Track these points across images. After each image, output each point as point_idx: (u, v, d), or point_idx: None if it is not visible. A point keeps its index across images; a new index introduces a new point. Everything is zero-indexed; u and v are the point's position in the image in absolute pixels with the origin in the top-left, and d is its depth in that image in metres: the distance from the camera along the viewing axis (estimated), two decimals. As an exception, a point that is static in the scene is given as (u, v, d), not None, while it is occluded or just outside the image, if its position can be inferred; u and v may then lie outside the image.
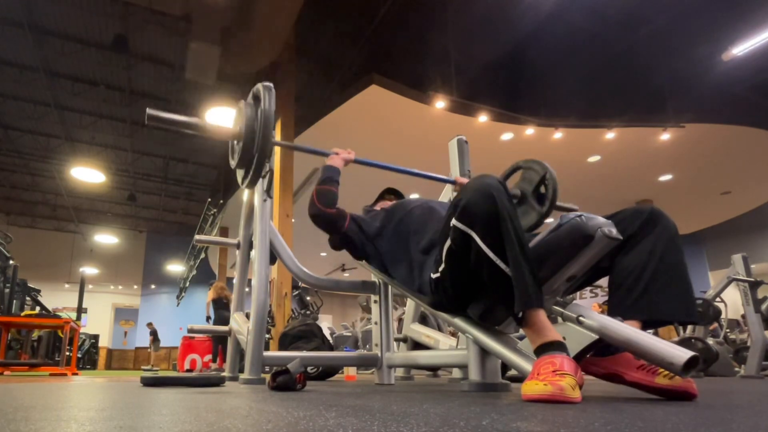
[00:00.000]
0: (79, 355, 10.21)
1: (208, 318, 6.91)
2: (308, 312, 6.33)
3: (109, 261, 15.21)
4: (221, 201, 10.13)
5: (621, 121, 7.24)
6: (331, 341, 4.55)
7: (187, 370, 6.95)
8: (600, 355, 1.16)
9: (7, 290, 5.48)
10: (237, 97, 7.29)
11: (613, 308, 1.21)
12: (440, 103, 6.58)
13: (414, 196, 2.35)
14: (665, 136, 7.37)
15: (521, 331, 1.75)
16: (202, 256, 12.57)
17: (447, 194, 2.38)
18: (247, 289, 2.53)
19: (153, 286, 15.90)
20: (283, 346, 3.21)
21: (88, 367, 11.00)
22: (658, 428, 0.55)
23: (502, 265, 1.06)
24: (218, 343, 6.52)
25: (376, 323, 2.19)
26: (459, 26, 6.53)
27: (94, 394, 1.35)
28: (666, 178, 9.03)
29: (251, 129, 1.70)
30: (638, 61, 6.86)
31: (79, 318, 6.95)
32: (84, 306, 8.11)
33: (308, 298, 6.64)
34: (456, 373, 2.61)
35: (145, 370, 9.13)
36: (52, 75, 7.87)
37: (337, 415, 0.70)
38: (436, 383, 2.32)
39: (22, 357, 6.10)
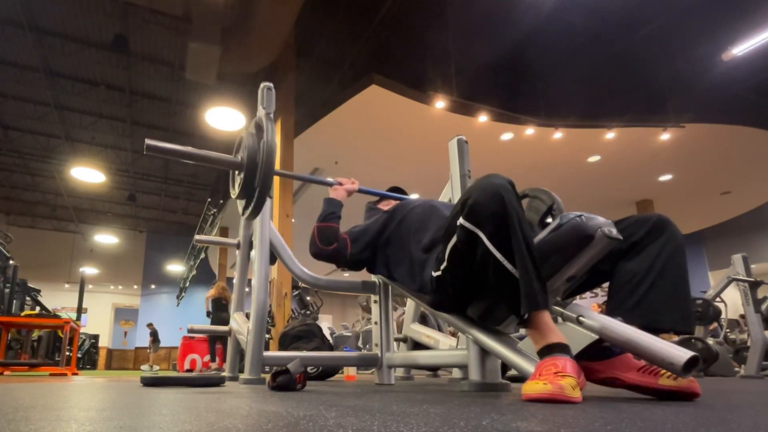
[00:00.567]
0: (79, 355, 10.22)
1: (208, 313, 6.90)
2: (308, 312, 6.33)
3: (109, 261, 15.21)
4: (221, 201, 10.13)
5: (621, 121, 7.25)
6: (331, 341, 4.55)
7: (187, 370, 6.95)
8: (596, 359, 1.15)
9: (7, 290, 5.48)
10: (237, 97, 7.29)
11: (610, 310, 1.21)
12: (440, 103, 6.58)
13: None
14: (665, 136, 7.37)
15: (521, 331, 1.75)
16: (202, 256, 12.58)
17: (447, 194, 2.38)
18: (247, 289, 2.53)
19: (153, 286, 15.90)
20: (283, 346, 3.21)
21: (88, 367, 11.00)
22: (658, 428, 0.55)
23: (509, 266, 1.06)
24: (213, 342, 6.52)
25: (376, 323, 2.19)
26: (459, 26, 6.53)
27: (94, 394, 1.35)
28: (666, 178, 9.03)
29: (253, 161, 1.65)
30: (638, 61, 6.86)
31: (79, 318, 6.94)
32: (84, 306, 8.11)
33: (308, 298, 6.64)
34: (456, 373, 2.61)
35: (144, 369, 9.14)
36: (52, 75, 7.87)
37: (337, 415, 0.70)
38: (436, 383, 2.32)
39: (22, 357, 6.10)
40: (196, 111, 8.38)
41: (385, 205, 2.07)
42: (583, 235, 1.16)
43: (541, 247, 1.19)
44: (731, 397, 1.15)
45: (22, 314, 5.57)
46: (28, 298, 6.54)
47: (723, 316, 5.30)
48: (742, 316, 5.41)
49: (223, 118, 6.87)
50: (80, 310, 7.80)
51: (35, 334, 6.55)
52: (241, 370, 2.02)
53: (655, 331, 1.21)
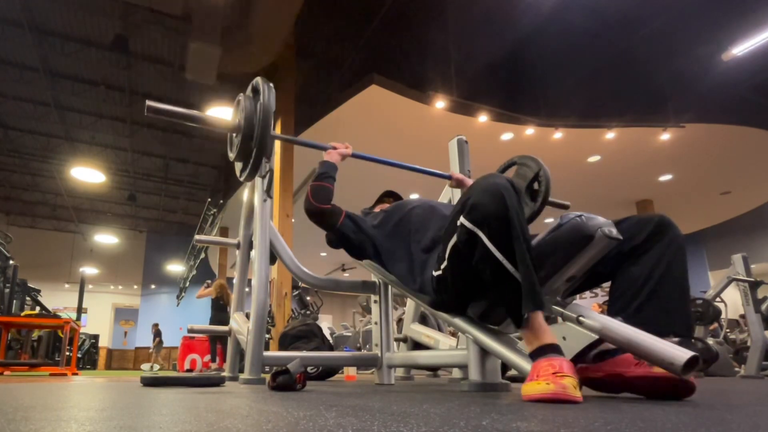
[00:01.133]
0: (79, 355, 10.21)
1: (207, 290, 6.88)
2: (308, 312, 6.33)
3: (109, 261, 15.21)
4: (221, 201, 10.13)
5: (621, 121, 7.24)
6: (331, 341, 4.55)
7: (187, 370, 6.95)
8: (594, 361, 1.15)
9: (7, 290, 5.48)
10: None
11: (612, 314, 1.21)
12: (440, 103, 6.58)
13: (414, 196, 2.35)
14: (665, 136, 7.37)
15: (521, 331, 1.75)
16: (202, 256, 12.58)
17: (447, 195, 2.38)
18: (247, 289, 2.53)
19: (153, 286, 15.90)
20: (283, 346, 3.21)
21: (88, 367, 10.99)
22: (658, 428, 0.55)
23: (509, 266, 1.06)
24: (215, 342, 6.52)
25: (376, 323, 2.19)
26: (459, 26, 6.53)
27: (94, 394, 1.35)
28: (666, 178, 9.03)
29: (250, 122, 1.70)
30: (638, 61, 6.86)
31: (79, 318, 6.94)
32: (84, 306, 8.11)
33: (308, 298, 6.64)
34: (456, 373, 2.61)
35: (144, 369, 9.13)
36: (52, 75, 7.87)
37: (337, 415, 0.70)
38: (436, 383, 2.32)
39: (22, 357, 6.10)
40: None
41: (380, 209, 2.07)
42: (583, 235, 1.16)
43: (541, 247, 1.19)
44: (731, 397, 1.15)
45: (22, 314, 5.57)
46: (28, 298, 6.54)
47: (723, 316, 5.31)
48: (742, 316, 5.41)
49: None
50: (80, 310, 7.79)
51: (35, 334, 6.55)
52: (241, 370, 2.01)
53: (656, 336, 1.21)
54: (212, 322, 6.65)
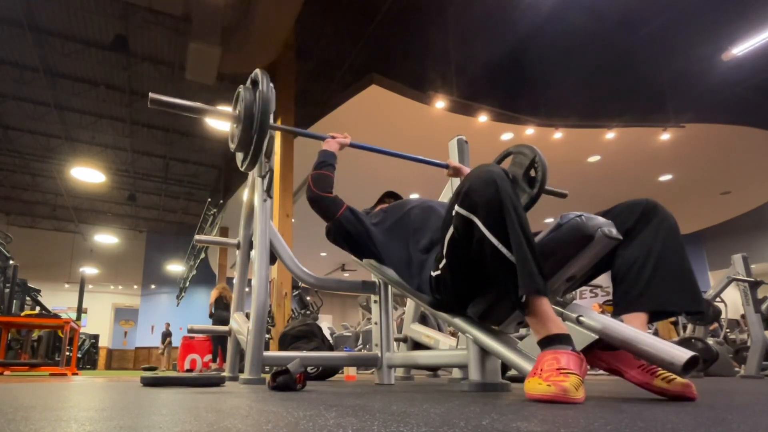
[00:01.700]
0: (79, 355, 10.21)
1: (211, 314, 6.93)
2: (308, 312, 6.33)
3: (109, 261, 15.21)
4: (221, 201, 10.13)
5: (621, 121, 7.24)
6: (331, 341, 4.55)
7: (187, 370, 6.95)
8: (604, 349, 1.15)
9: (7, 290, 5.48)
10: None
11: (617, 301, 1.20)
12: (440, 103, 6.58)
13: (414, 196, 2.35)
14: (665, 136, 7.37)
15: (521, 331, 1.75)
16: (202, 256, 12.58)
17: (447, 194, 2.38)
18: (247, 289, 2.53)
19: (153, 286, 15.90)
20: (283, 346, 3.21)
21: (88, 367, 10.99)
22: (658, 428, 0.55)
23: (504, 251, 1.05)
24: (218, 343, 6.51)
25: (376, 323, 2.18)
26: (459, 26, 6.53)
27: (94, 394, 1.35)
28: (666, 178, 9.04)
29: (250, 111, 1.76)
30: (638, 61, 6.86)
31: (79, 318, 6.94)
32: (84, 306, 8.11)
33: (308, 298, 6.64)
34: (456, 373, 2.61)
35: (144, 369, 9.11)
36: (52, 75, 7.88)
37: (337, 415, 0.70)
38: (436, 383, 2.32)
39: (22, 357, 6.10)
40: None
41: (380, 209, 2.08)
42: (583, 235, 1.16)
43: (541, 247, 1.18)
44: (731, 397, 1.15)
45: (22, 314, 5.57)
46: (28, 298, 6.54)
47: (723, 316, 5.31)
48: (742, 316, 5.41)
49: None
50: (80, 310, 7.80)
51: (35, 334, 6.55)
52: (241, 370, 2.01)
53: (667, 315, 1.20)
54: (214, 320, 6.68)
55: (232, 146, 1.93)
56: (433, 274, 1.38)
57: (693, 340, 4.48)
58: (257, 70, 1.83)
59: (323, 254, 13.47)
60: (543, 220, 8.09)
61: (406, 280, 1.64)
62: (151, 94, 1.70)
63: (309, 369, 2.83)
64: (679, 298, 1.13)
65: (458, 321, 1.46)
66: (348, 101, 6.50)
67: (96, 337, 11.74)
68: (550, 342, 1.01)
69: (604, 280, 1.33)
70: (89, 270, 13.65)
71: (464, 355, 1.50)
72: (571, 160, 8.11)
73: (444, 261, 1.30)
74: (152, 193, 12.64)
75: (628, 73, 7.09)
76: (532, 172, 1.88)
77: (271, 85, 1.82)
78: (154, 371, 8.27)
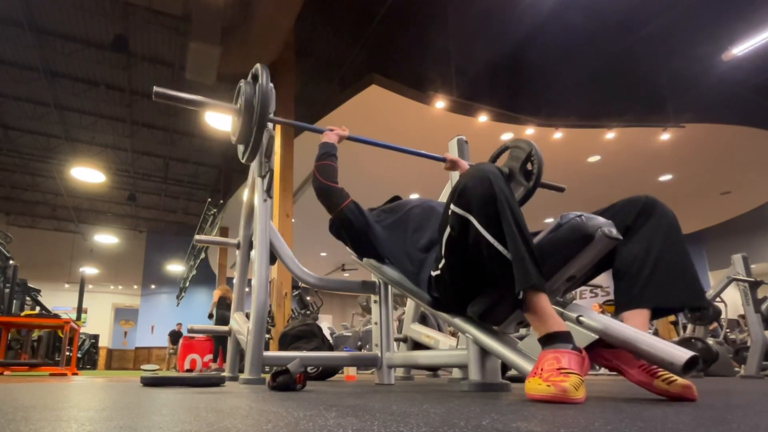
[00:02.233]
0: (79, 355, 10.21)
1: (210, 315, 6.95)
2: (308, 312, 6.33)
3: (109, 261, 15.21)
4: (221, 201, 10.13)
5: (621, 121, 7.24)
6: (331, 341, 4.55)
7: (187, 370, 6.94)
8: (606, 347, 1.15)
9: (7, 290, 5.48)
10: (237, 97, 7.28)
11: (619, 299, 1.20)
12: (440, 103, 6.57)
13: (414, 196, 2.35)
14: (665, 136, 7.37)
15: (521, 331, 1.75)
16: (202, 256, 12.58)
17: (447, 194, 2.38)
18: (247, 289, 2.53)
19: (153, 286, 15.90)
20: (283, 346, 3.21)
21: (88, 367, 10.99)
22: (658, 428, 0.55)
23: (500, 247, 1.05)
24: (219, 343, 6.52)
25: (376, 323, 2.18)
26: (459, 26, 6.52)
27: (94, 394, 1.35)
28: (666, 178, 9.04)
29: (250, 104, 1.82)
30: (638, 60, 6.86)
31: (79, 318, 6.94)
32: (84, 306, 8.10)
33: (308, 298, 6.64)
34: (456, 373, 2.61)
35: (144, 369, 9.10)
36: (52, 75, 7.87)
37: (337, 415, 0.70)
38: (436, 383, 2.32)
39: (22, 357, 6.10)
40: (196, 111, 8.38)
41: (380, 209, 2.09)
42: (583, 235, 1.16)
43: (541, 247, 1.19)
44: (731, 397, 1.15)
45: (22, 314, 5.57)
46: (28, 298, 6.54)
47: (723, 316, 5.31)
48: (742, 316, 5.41)
49: (223, 118, 6.87)
50: (80, 310, 7.79)
51: (35, 334, 6.55)
52: (241, 370, 2.01)
53: (670, 311, 1.20)
54: (216, 319, 6.70)
55: (233, 139, 1.99)
56: (433, 273, 1.38)
57: (693, 340, 4.48)
58: (258, 65, 1.88)
59: (323, 254, 13.47)
60: (543, 220, 8.09)
61: (405, 279, 1.64)
62: (155, 87, 1.82)
63: (309, 369, 2.84)
64: (680, 294, 1.13)
65: (458, 321, 1.46)
66: (348, 101, 6.50)
67: (96, 337, 11.74)
68: (551, 340, 1.01)
69: (604, 280, 1.33)
70: (89, 270, 13.65)
71: (464, 355, 1.50)
72: (571, 160, 8.11)
73: (443, 261, 1.30)
74: (152, 193, 12.64)
75: (628, 73, 7.09)
76: (529, 166, 1.93)
77: (271, 81, 1.88)
78: (155, 371, 8.26)
